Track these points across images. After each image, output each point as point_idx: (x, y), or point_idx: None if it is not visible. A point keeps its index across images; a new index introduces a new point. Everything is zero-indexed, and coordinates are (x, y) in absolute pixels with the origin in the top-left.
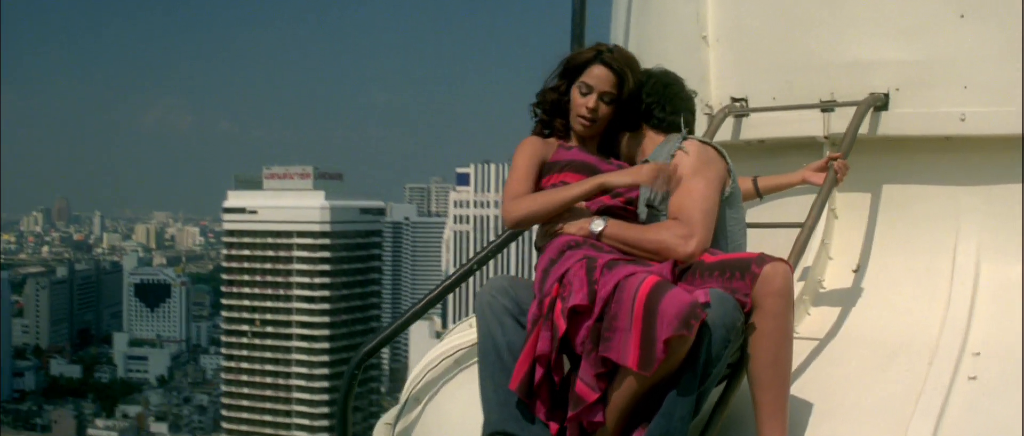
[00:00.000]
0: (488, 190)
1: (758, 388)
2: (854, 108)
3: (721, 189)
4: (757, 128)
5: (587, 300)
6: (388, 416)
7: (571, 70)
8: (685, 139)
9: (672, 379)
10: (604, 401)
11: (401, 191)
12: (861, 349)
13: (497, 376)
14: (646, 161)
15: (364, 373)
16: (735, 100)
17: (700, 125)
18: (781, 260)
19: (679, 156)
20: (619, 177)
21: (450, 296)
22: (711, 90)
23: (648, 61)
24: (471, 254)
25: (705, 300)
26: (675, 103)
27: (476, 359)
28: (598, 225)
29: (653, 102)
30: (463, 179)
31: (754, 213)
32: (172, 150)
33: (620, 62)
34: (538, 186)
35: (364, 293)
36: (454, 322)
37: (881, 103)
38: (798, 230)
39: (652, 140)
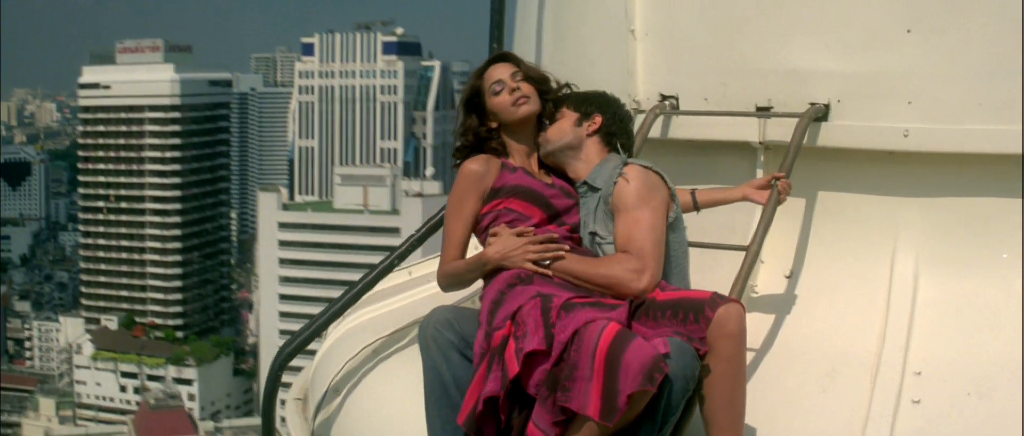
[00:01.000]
0: (333, 60)
1: (714, 429)
2: (792, 117)
3: (667, 216)
4: (688, 127)
5: (544, 344)
6: (296, 391)
7: (472, 100)
8: (625, 164)
9: (630, 428)
10: None
11: (247, 62)
12: (800, 363)
13: (444, 412)
14: (586, 183)
15: (214, 247)
16: (664, 97)
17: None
18: (734, 301)
19: (620, 184)
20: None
21: (296, 169)
22: (639, 85)
23: (567, 51)
24: (317, 126)
25: (665, 350)
26: (625, 138)
27: (394, 349)
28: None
29: (617, 130)
30: (308, 49)
31: (690, 227)
32: (30, 24)
33: (501, 53)
34: (480, 214)
35: (213, 166)
36: (301, 193)
37: (821, 114)
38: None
39: (598, 151)
